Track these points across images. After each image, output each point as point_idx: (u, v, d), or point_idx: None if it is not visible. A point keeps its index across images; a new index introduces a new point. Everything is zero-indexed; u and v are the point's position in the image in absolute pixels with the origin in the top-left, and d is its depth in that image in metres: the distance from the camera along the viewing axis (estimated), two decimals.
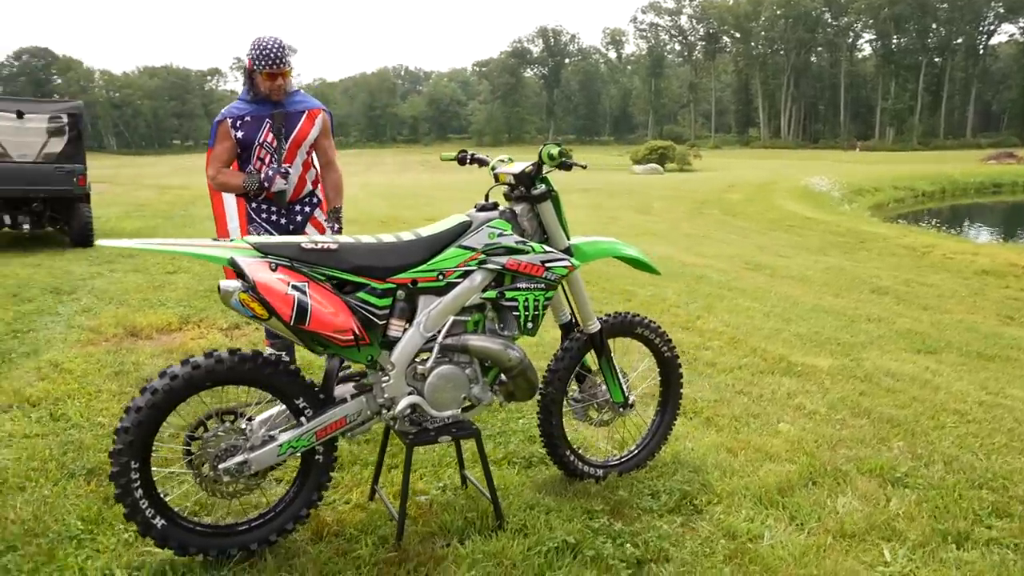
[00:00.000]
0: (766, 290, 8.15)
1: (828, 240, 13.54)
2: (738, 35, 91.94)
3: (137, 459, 2.37)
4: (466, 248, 2.66)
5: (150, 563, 2.51)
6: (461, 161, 3.08)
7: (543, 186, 2.81)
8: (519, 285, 2.72)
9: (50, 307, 6.18)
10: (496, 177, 2.92)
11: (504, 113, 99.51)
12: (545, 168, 2.83)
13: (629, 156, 44.53)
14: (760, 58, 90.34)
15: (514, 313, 2.73)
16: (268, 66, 3.53)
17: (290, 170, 3.73)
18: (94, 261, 8.46)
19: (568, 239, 2.93)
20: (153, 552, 2.55)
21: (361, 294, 2.53)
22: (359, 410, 2.60)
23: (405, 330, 2.61)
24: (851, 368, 5.07)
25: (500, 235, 2.70)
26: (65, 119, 9.61)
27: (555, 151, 2.72)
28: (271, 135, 3.68)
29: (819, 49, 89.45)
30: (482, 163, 3.04)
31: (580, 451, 3.28)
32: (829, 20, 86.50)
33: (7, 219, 9.16)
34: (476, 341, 2.67)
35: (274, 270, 2.39)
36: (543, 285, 2.75)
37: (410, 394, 2.63)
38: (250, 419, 2.57)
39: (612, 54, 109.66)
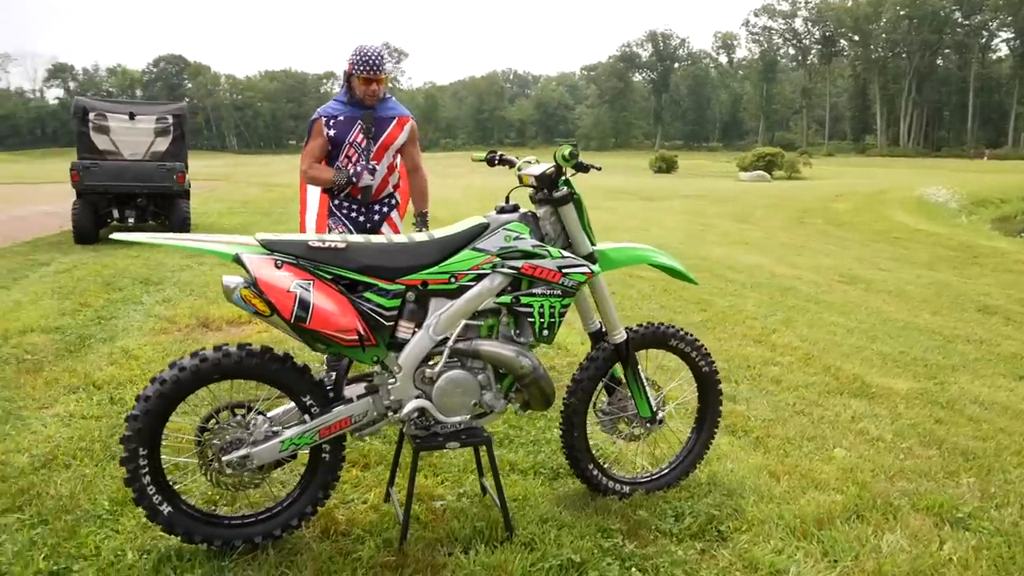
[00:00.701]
0: (856, 305, 7.65)
1: (936, 254, 12.61)
2: (856, 38, 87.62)
3: (145, 446, 2.43)
4: (480, 251, 2.59)
5: (160, 548, 2.57)
6: (490, 162, 3.02)
7: (565, 188, 2.70)
8: (535, 291, 2.63)
9: (136, 296, 6.54)
10: (520, 179, 2.84)
11: (611, 118, 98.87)
12: (568, 171, 2.72)
13: (736, 163, 43.21)
14: (880, 61, 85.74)
15: (529, 319, 2.64)
16: (366, 71, 3.71)
17: (377, 167, 3.90)
18: (186, 255, 8.92)
19: (593, 244, 2.80)
20: (166, 538, 2.60)
21: (368, 294, 2.50)
22: (365, 411, 2.57)
23: (414, 332, 2.57)
24: (933, 393, 4.66)
25: (516, 238, 2.61)
26: (170, 120, 10.21)
27: (567, 151, 2.61)
28: (361, 136, 3.86)
29: (946, 51, 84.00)
30: (511, 164, 2.96)
31: (607, 466, 3.15)
32: (959, 20, 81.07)
33: (115, 213, 9.82)
34: (488, 347, 2.59)
35: (279, 267, 2.40)
36: (559, 292, 2.64)
37: (418, 397, 2.58)
38: (262, 414, 2.59)
39: (723, 58, 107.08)
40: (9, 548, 2.57)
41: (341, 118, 3.89)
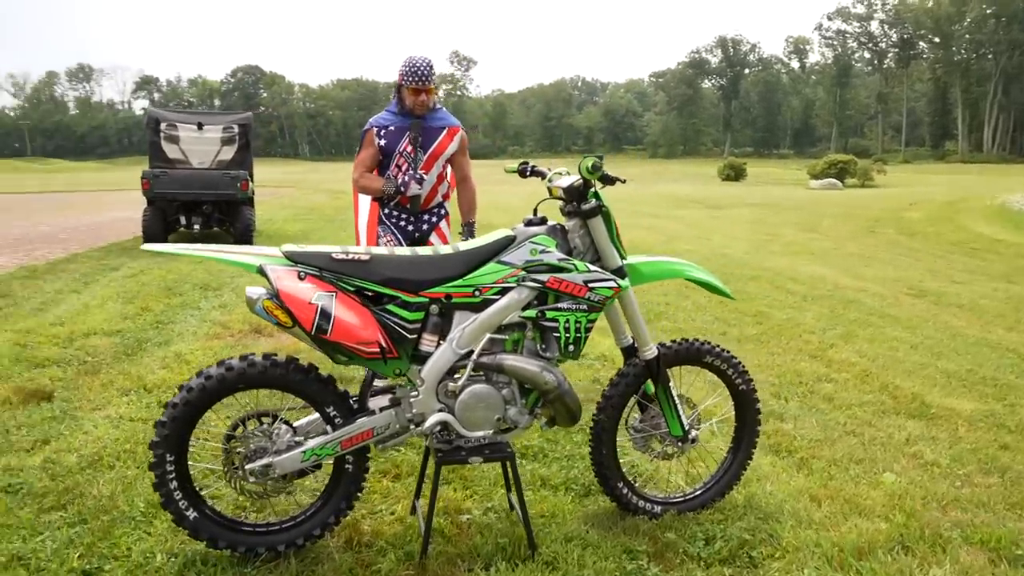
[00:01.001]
0: (924, 319, 7.31)
1: (1017, 266, 11.95)
2: (937, 39, 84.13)
3: (173, 452, 2.48)
4: (505, 264, 2.56)
5: (188, 552, 2.62)
6: (522, 173, 2.99)
7: (594, 201, 2.65)
8: (561, 305, 2.58)
9: (194, 302, 6.76)
10: (549, 191, 2.80)
11: (680, 125, 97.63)
12: (597, 184, 2.67)
13: (806, 170, 42.05)
14: (962, 63, 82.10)
15: (555, 334, 2.59)
16: (415, 82, 3.77)
17: (425, 177, 3.94)
18: None
19: (623, 258, 2.74)
20: (194, 543, 2.65)
21: (391, 307, 2.49)
22: (388, 423, 2.57)
23: (438, 346, 2.55)
24: (1000, 415, 4.39)
25: (543, 252, 2.57)
26: (236, 129, 10.55)
27: (591, 163, 2.55)
28: (410, 146, 3.91)
29: None
30: (542, 176, 2.93)
31: (641, 484, 3.07)
32: None
33: (183, 219, 10.20)
34: (512, 361, 2.55)
35: (302, 279, 2.42)
36: (585, 306, 2.58)
37: (440, 411, 2.56)
38: (288, 423, 2.62)
39: (794, 64, 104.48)
40: (49, 545, 2.66)
41: (392, 128, 3.95)
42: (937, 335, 6.61)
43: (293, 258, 2.47)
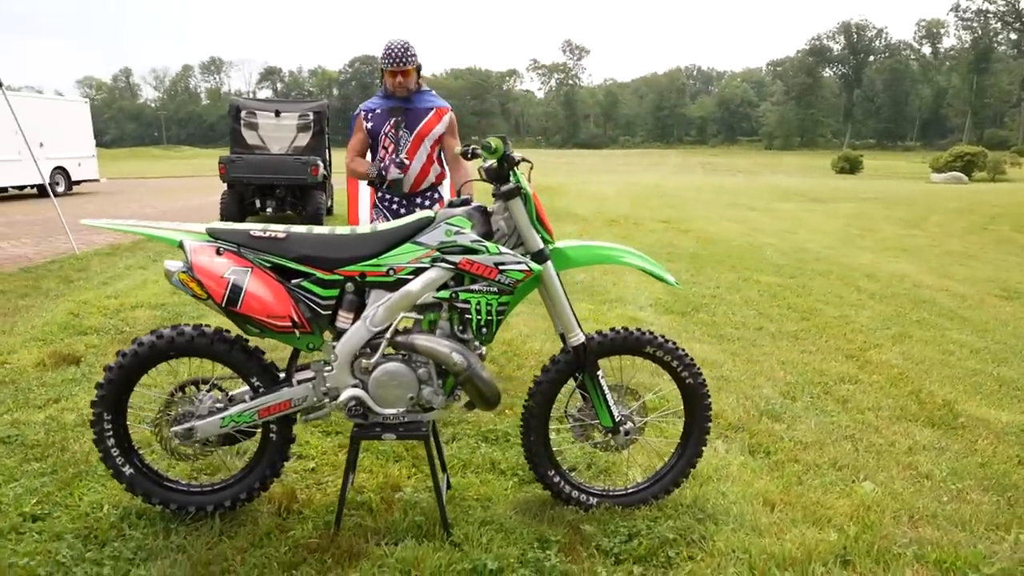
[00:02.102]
0: (1003, 323, 6.71)
1: None
2: None
3: (110, 412, 2.64)
4: (420, 245, 2.56)
5: (129, 506, 2.79)
6: (465, 156, 2.96)
7: (512, 182, 2.60)
8: (473, 287, 2.55)
9: None
10: (479, 173, 2.77)
11: (797, 115, 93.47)
12: (524, 167, 2.63)
13: (929, 163, 39.27)
14: None
15: (467, 316, 2.57)
16: (391, 64, 3.86)
17: (407, 161, 4.02)
18: None
19: (549, 242, 2.67)
20: (138, 500, 2.80)
21: (305, 283, 2.55)
22: (305, 395, 2.63)
23: (354, 322, 2.59)
24: None
25: (457, 233, 2.55)
26: (311, 116, 10.96)
27: (492, 143, 2.50)
28: (393, 128, 3.98)
29: None
30: (477, 157, 2.91)
31: (591, 475, 3.00)
32: None
33: (257, 203, 10.71)
34: (423, 341, 2.56)
35: (220, 254, 2.52)
36: (496, 289, 2.55)
37: (355, 387, 2.60)
38: (224, 391, 2.74)
39: (926, 49, 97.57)
40: (15, 491, 2.90)
41: (378, 111, 4.03)
42: (1011, 341, 6.06)
43: (215, 235, 2.57)
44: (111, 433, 2.67)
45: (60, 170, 19.53)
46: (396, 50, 3.85)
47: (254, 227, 2.58)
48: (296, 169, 10.47)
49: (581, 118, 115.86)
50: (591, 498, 2.88)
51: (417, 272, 2.56)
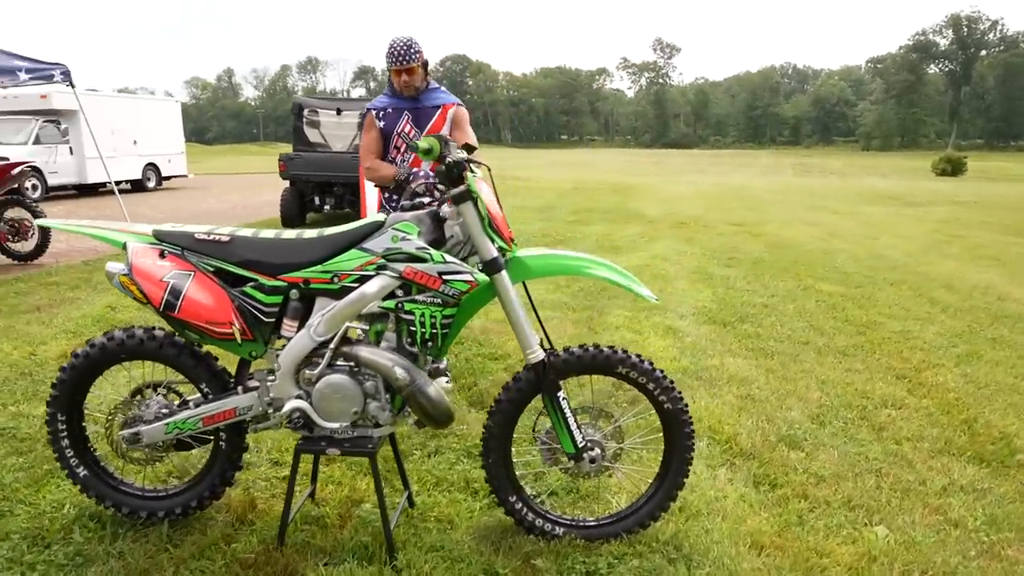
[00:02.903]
0: None
1: None
2: None
3: (64, 413, 2.62)
4: (365, 251, 2.41)
5: (88, 508, 2.76)
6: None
7: (463, 186, 2.41)
8: (418, 297, 2.38)
9: None
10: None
11: (898, 115, 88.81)
12: (479, 168, 2.45)
13: None
14: None
15: (412, 328, 2.40)
16: (395, 62, 3.76)
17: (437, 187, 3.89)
18: None
19: (506, 251, 2.47)
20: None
21: (248, 289, 2.44)
22: (250, 404, 2.52)
23: (299, 331, 2.47)
24: None
25: (403, 239, 2.38)
26: None
27: (423, 144, 2.30)
28: (409, 126, 3.90)
29: None
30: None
31: (571, 501, 2.79)
32: None
33: (316, 200, 10.86)
34: (366, 353, 2.41)
35: (163, 257, 2.44)
36: (440, 300, 2.37)
37: (298, 398, 2.48)
38: (179, 395, 2.68)
39: None
40: None
41: (390, 110, 3.94)
42: None
43: (160, 237, 2.49)
44: (65, 434, 2.64)
45: (151, 166, 20.54)
46: (399, 48, 3.73)
47: (199, 229, 2.50)
48: (354, 167, 10.55)
49: (671, 117, 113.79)
50: (557, 528, 2.66)
51: (362, 280, 2.41)
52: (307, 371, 2.46)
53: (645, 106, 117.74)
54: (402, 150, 3.91)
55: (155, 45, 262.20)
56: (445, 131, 3.96)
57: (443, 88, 4.05)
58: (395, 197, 4.03)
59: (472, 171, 2.49)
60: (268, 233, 2.51)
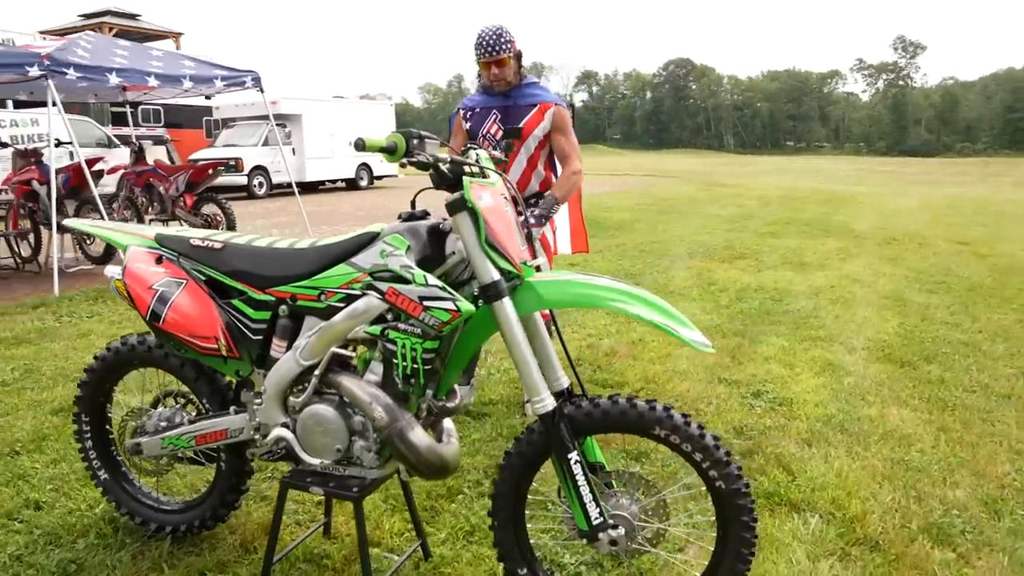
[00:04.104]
0: None
1: None
2: None
3: (88, 414, 2.60)
4: (353, 267, 2.09)
5: (109, 512, 2.73)
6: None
7: (460, 193, 1.99)
8: (401, 325, 2.01)
9: None
10: None
11: None
12: (483, 171, 2.03)
13: None
14: None
15: (394, 360, 2.04)
16: (482, 54, 3.48)
17: (502, 157, 3.58)
18: None
19: (512, 275, 2.02)
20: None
21: (237, 302, 2.23)
22: (241, 427, 2.31)
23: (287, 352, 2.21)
24: None
25: (390, 255, 2.03)
26: None
27: (382, 143, 1.88)
28: (496, 126, 3.62)
29: None
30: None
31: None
32: None
33: None
34: (348, 383, 2.08)
35: (159, 263, 2.30)
36: (419, 330, 1.98)
37: (284, 426, 2.22)
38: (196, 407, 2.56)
39: None
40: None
41: (478, 109, 3.65)
42: None
43: (160, 241, 2.36)
44: (89, 435, 2.62)
45: (364, 166, 22.03)
46: (488, 37, 3.41)
47: (196, 235, 2.33)
48: None
49: (911, 122, 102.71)
50: None
51: (349, 299, 2.10)
52: (292, 398, 2.20)
53: (881, 110, 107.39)
54: None
55: (394, 52, 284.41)
56: (539, 133, 3.57)
57: (542, 84, 3.66)
58: None
59: (484, 174, 2.09)
60: (262, 241, 2.28)
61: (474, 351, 2.13)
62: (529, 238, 3.60)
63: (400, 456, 2.03)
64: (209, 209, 8.68)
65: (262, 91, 9.02)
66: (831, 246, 10.56)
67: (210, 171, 8.65)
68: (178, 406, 2.53)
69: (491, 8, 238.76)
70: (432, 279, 1.95)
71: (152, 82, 7.54)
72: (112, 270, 2.36)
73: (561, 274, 2.06)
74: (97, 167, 8.13)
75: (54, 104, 6.88)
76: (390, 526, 2.71)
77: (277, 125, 18.67)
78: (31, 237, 8.31)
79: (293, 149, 19.35)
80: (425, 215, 2.12)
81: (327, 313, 2.12)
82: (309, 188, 20.53)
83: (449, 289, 1.94)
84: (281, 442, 2.20)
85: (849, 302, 6.81)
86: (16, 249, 8.23)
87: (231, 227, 8.73)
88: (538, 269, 2.15)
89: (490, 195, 2.02)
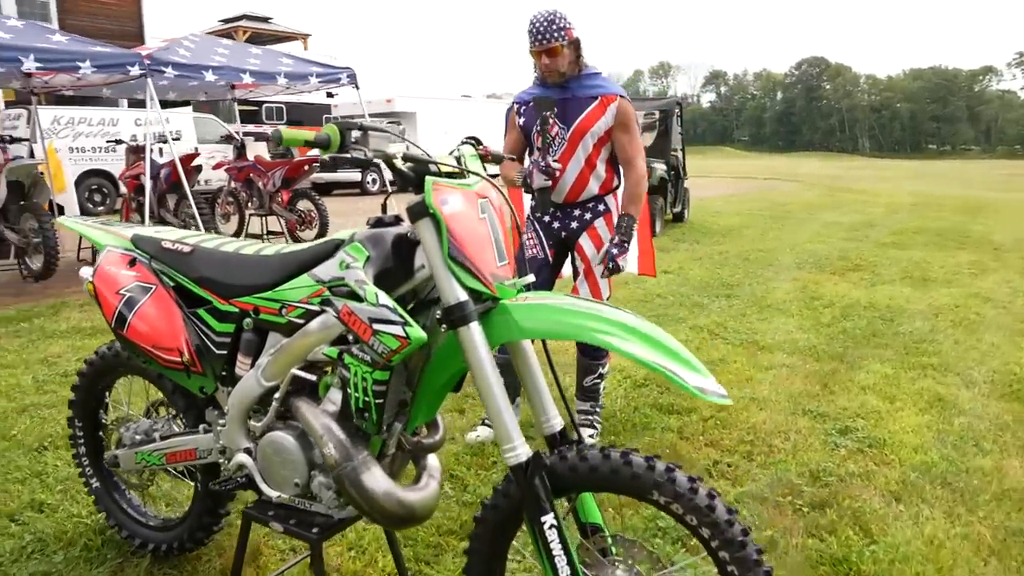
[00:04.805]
0: None
1: None
2: None
3: (80, 419, 2.50)
4: (314, 279, 1.83)
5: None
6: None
7: (420, 196, 1.68)
8: (353, 349, 1.73)
9: None
10: None
11: None
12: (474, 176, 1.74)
13: None
14: None
15: (347, 390, 1.76)
16: (534, 42, 3.19)
17: (555, 164, 3.31)
18: None
19: (488, 296, 1.69)
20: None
21: (202, 312, 2.03)
22: (210, 448, 2.12)
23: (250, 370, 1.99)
24: None
25: (348, 267, 1.76)
26: (657, 115, 10.29)
27: (313, 136, 1.58)
28: (551, 121, 3.33)
29: None
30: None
31: None
32: None
33: None
34: (305, 412, 1.83)
35: (132, 265, 2.13)
36: (369, 358, 1.68)
37: (247, 451, 2.00)
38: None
39: None
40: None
41: (532, 103, 3.34)
42: None
43: (135, 243, 2.19)
44: (82, 440, 2.52)
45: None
46: (539, 24, 3.10)
47: (169, 236, 2.14)
48: None
49: None
50: None
51: (309, 315, 1.84)
52: (252, 422, 1.98)
53: None
54: (542, 150, 3.29)
55: (511, 54, 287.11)
56: (600, 129, 3.24)
57: (603, 75, 3.31)
58: (533, 205, 3.44)
59: (464, 173, 1.79)
60: (230, 246, 2.06)
61: (449, 382, 1.83)
62: (615, 270, 3.27)
63: (351, 501, 1.75)
64: (304, 205, 8.80)
65: (357, 87, 9.05)
66: (963, 259, 9.47)
67: (306, 167, 8.76)
68: (167, 417, 2.38)
69: (621, 6, 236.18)
70: (384, 298, 1.66)
71: (247, 79, 7.69)
72: (86, 271, 2.23)
73: (547, 297, 1.72)
74: (195, 163, 8.40)
75: (153, 100, 7.14)
76: (384, 564, 2.45)
77: (392, 123, 19.06)
78: None
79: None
80: (396, 221, 1.84)
81: (289, 329, 1.88)
82: None
83: (400, 311, 1.64)
84: (243, 469, 1.99)
85: (975, 325, 5.99)
86: None
87: (324, 224, 8.82)
88: (528, 288, 1.82)
89: (461, 199, 1.70)
